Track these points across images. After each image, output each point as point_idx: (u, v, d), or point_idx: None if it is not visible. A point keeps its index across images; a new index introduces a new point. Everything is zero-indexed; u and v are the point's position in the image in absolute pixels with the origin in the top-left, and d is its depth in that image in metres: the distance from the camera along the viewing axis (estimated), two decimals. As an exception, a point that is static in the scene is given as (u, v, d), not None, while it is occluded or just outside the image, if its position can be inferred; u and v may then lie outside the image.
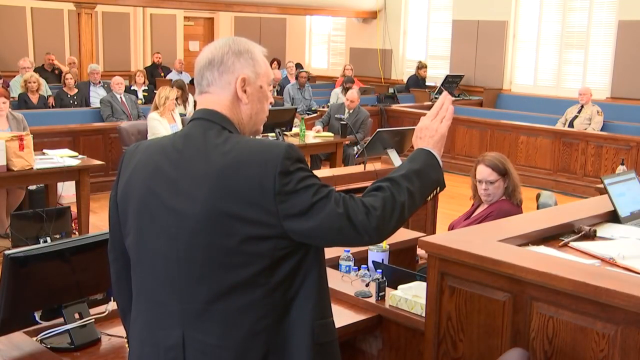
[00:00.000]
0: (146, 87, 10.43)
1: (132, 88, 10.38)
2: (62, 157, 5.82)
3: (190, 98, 8.73)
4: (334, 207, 1.60)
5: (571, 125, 9.07)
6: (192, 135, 1.69)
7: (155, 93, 7.61)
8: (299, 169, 1.61)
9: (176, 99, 8.97)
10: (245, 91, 1.74)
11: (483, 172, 3.55)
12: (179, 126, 7.24)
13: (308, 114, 9.99)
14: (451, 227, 3.67)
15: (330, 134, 7.89)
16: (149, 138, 7.11)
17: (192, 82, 10.69)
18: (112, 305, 2.48)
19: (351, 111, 8.19)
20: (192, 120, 1.74)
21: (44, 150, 6.04)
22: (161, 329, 1.64)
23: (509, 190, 3.53)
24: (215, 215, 1.57)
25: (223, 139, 1.66)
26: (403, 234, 3.81)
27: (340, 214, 1.60)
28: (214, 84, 1.73)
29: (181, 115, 7.68)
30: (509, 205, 3.49)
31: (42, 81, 9.45)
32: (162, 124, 7.04)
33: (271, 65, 12.53)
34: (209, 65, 1.73)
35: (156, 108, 7.09)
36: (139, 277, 1.71)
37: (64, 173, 5.71)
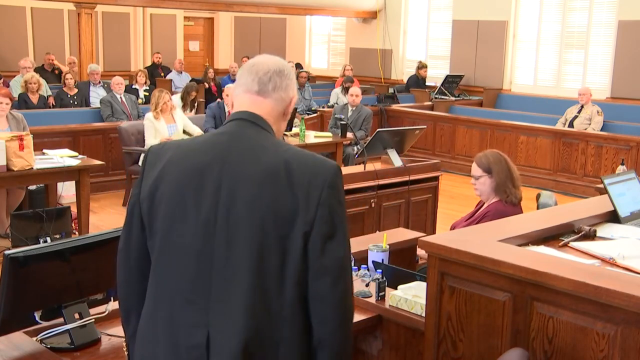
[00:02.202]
0: (147, 87, 10.43)
1: (133, 87, 10.39)
2: (62, 157, 5.82)
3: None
4: (348, 259, 1.68)
5: (571, 125, 9.07)
6: (240, 134, 1.71)
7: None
8: (342, 192, 1.71)
9: (192, 100, 9.01)
10: (289, 111, 1.80)
11: (472, 167, 3.58)
12: (178, 127, 7.24)
13: (308, 114, 9.99)
14: (453, 228, 3.67)
15: (329, 134, 7.90)
16: (145, 139, 7.12)
17: (193, 81, 10.71)
18: (112, 305, 2.47)
19: (354, 108, 8.20)
20: (238, 119, 1.74)
21: (44, 150, 6.04)
22: (185, 327, 1.62)
23: (497, 188, 3.51)
24: (257, 215, 1.60)
25: (272, 143, 1.70)
26: (403, 234, 3.81)
27: (347, 268, 1.68)
28: (278, 92, 1.75)
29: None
30: (504, 205, 3.48)
31: (42, 81, 9.45)
32: (153, 125, 7.04)
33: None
34: (280, 73, 1.76)
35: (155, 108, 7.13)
36: (164, 276, 1.67)
37: (64, 173, 5.71)
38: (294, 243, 1.61)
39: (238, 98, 1.77)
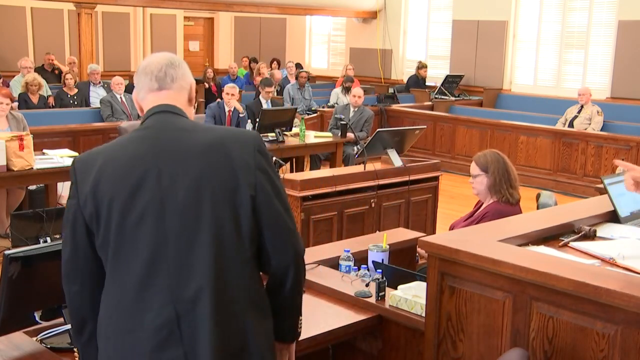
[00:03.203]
0: (148, 87, 10.42)
1: (134, 86, 10.38)
2: (62, 157, 5.82)
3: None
4: (289, 205, 1.86)
5: (571, 125, 9.07)
6: (163, 123, 1.82)
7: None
8: (268, 153, 1.86)
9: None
10: (192, 97, 1.93)
11: (471, 165, 3.59)
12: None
13: (308, 114, 9.98)
14: (452, 228, 3.67)
15: (329, 134, 7.89)
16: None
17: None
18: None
19: (356, 109, 8.19)
20: (154, 113, 1.83)
21: (44, 150, 6.04)
22: (154, 309, 1.69)
23: (493, 188, 3.51)
24: (206, 189, 1.74)
25: (193, 125, 1.84)
26: (403, 234, 3.81)
27: (291, 216, 1.85)
28: (177, 82, 1.87)
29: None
30: (503, 205, 3.48)
31: (43, 81, 9.45)
32: None
33: (271, 65, 12.53)
34: (171, 65, 1.87)
35: None
36: (125, 268, 1.73)
37: (64, 173, 5.71)
38: (244, 207, 1.75)
39: (145, 101, 1.87)
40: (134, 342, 1.70)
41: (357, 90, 8.42)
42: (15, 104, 6.46)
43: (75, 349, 2.30)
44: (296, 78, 10.67)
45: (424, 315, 2.48)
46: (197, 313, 1.69)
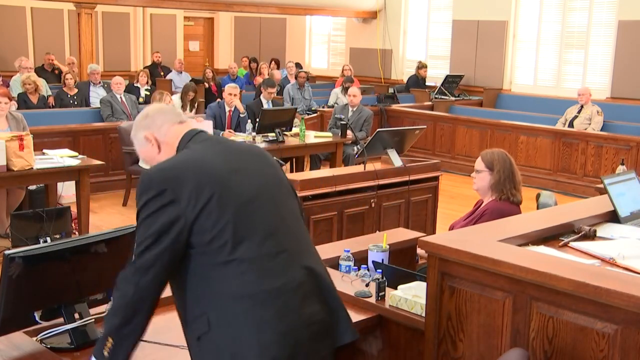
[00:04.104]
0: (149, 87, 10.44)
1: (135, 85, 10.39)
2: (62, 157, 5.82)
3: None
4: None
5: (571, 125, 9.07)
6: (210, 136, 2.20)
7: (156, 93, 7.60)
8: None
9: (191, 100, 9.00)
10: None
11: (476, 161, 3.59)
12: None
13: (308, 114, 9.98)
14: (451, 227, 3.67)
15: (329, 134, 7.89)
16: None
17: (193, 81, 10.72)
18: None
19: (354, 109, 8.19)
20: (197, 133, 2.16)
21: (44, 150, 6.04)
22: (290, 272, 2.01)
23: (495, 186, 3.51)
24: (283, 182, 2.22)
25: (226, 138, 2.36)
26: (403, 234, 3.81)
27: None
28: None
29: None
30: (501, 203, 3.48)
31: (42, 81, 9.45)
32: None
33: (270, 65, 12.51)
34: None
35: None
36: (253, 249, 1.97)
37: (64, 173, 5.71)
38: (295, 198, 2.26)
39: (170, 133, 2.14)
40: (283, 301, 1.96)
41: (352, 90, 8.40)
42: (14, 105, 6.45)
43: (74, 350, 2.31)
44: (295, 78, 10.66)
45: (424, 315, 2.48)
46: (318, 272, 2.09)
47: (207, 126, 7.12)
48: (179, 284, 2.01)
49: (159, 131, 2.15)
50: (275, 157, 5.74)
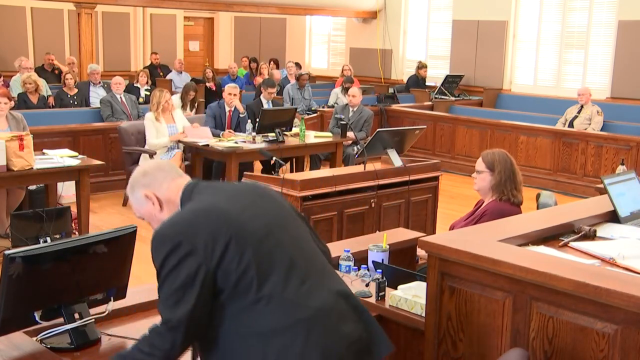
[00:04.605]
0: (149, 87, 10.44)
1: (135, 85, 10.39)
2: (62, 157, 5.82)
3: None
4: None
5: (571, 125, 9.07)
6: (212, 183, 2.23)
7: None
8: None
9: (191, 100, 9.00)
10: None
11: (477, 161, 3.59)
12: (178, 127, 7.24)
13: (308, 114, 9.98)
14: (452, 228, 3.67)
15: (329, 134, 7.89)
16: (147, 139, 7.12)
17: (193, 81, 10.72)
18: (112, 305, 2.48)
19: (355, 109, 8.19)
20: (197, 183, 2.17)
21: (44, 150, 6.04)
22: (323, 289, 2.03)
23: (496, 186, 3.50)
24: (288, 210, 2.23)
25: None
26: (403, 234, 3.81)
27: None
28: None
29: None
30: (501, 204, 3.48)
31: (42, 81, 9.45)
32: (154, 125, 7.07)
33: (269, 65, 12.49)
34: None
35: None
36: (280, 284, 1.96)
37: (64, 173, 5.71)
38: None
39: (172, 187, 2.13)
40: (320, 326, 1.95)
41: (352, 90, 8.40)
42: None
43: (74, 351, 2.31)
44: (297, 79, 10.65)
45: (424, 315, 2.48)
46: (345, 292, 2.08)
47: (204, 133, 7.14)
48: (211, 335, 1.97)
49: (160, 189, 2.13)
50: (275, 158, 5.71)
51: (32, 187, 6.19)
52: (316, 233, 2.28)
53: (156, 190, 2.12)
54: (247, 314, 1.93)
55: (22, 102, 8.68)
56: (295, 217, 2.19)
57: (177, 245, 1.91)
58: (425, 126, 6.80)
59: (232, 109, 7.65)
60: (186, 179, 2.18)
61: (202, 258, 1.90)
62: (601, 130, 8.86)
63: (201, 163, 7.21)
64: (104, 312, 2.47)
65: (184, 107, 8.83)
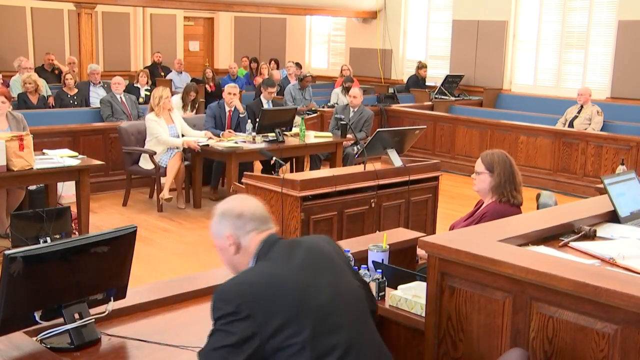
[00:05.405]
0: (149, 87, 10.44)
1: (135, 85, 10.39)
2: (62, 157, 5.82)
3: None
4: None
5: (571, 125, 9.07)
6: (282, 244, 2.19)
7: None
8: None
9: (192, 100, 8.99)
10: None
11: (476, 162, 3.58)
12: (177, 128, 7.23)
13: (308, 114, 9.98)
14: (452, 228, 3.66)
15: (329, 134, 7.89)
16: (148, 139, 7.12)
17: (193, 81, 10.71)
18: (112, 305, 2.48)
19: (355, 109, 8.20)
20: (277, 240, 2.19)
21: (44, 150, 6.04)
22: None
23: (496, 188, 3.50)
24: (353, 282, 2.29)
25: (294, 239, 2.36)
26: (403, 234, 3.81)
27: None
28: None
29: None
30: (501, 205, 3.48)
31: (42, 81, 9.45)
32: (160, 125, 7.05)
33: (269, 65, 12.45)
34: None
35: (152, 109, 7.10)
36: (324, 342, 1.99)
37: (64, 173, 5.72)
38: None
39: (259, 236, 2.16)
40: None
41: (353, 90, 8.42)
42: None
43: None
44: (300, 80, 10.60)
45: (424, 315, 2.48)
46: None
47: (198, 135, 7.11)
48: None
49: (245, 238, 2.16)
50: (275, 158, 5.70)
51: (32, 187, 6.19)
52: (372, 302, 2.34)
53: (240, 237, 2.16)
54: None
55: (22, 102, 8.68)
56: (357, 291, 2.20)
57: (237, 306, 1.93)
58: (425, 126, 6.80)
59: (232, 109, 7.65)
60: (271, 230, 2.20)
61: (258, 327, 1.91)
62: (601, 130, 8.86)
63: (201, 163, 7.22)
64: (104, 312, 2.47)
65: (184, 107, 8.82)
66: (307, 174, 6.05)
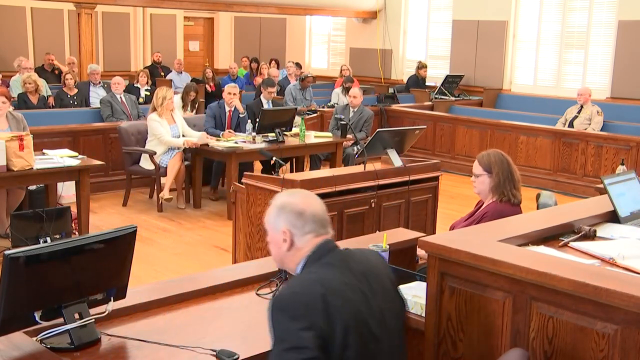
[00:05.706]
0: (149, 87, 10.44)
1: (135, 85, 10.39)
2: (62, 157, 5.82)
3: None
4: None
5: (571, 125, 9.07)
6: (342, 253, 2.17)
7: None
8: None
9: (192, 100, 8.98)
10: None
11: (474, 164, 3.58)
12: (179, 128, 7.23)
13: (308, 114, 9.98)
14: (452, 228, 3.66)
15: (329, 134, 7.89)
16: (149, 139, 7.12)
17: (194, 81, 10.71)
18: (112, 305, 2.48)
19: (355, 109, 8.20)
20: (334, 247, 2.15)
21: (44, 150, 6.04)
22: None
23: (496, 188, 3.50)
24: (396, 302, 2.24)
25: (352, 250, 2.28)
26: (403, 234, 3.81)
27: None
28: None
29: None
30: (502, 205, 3.48)
31: (42, 81, 9.45)
32: (162, 125, 7.05)
33: (269, 64, 12.43)
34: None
35: (155, 109, 7.09)
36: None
37: (64, 173, 5.72)
38: None
39: (316, 240, 2.13)
40: None
41: (353, 90, 8.42)
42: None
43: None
44: (302, 80, 10.58)
45: (424, 315, 2.48)
46: None
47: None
48: None
49: (301, 238, 2.12)
50: (275, 158, 5.69)
51: (32, 187, 6.19)
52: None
53: (297, 236, 2.12)
54: None
55: (22, 102, 8.68)
56: (396, 304, 2.20)
57: (294, 318, 1.90)
58: (425, 126, 6.80)
59: (232, 109, 7.65)
60: (328, 235, 2.16)
61: (320, 332, 1.90)
62: (601, 130, 8.86)
63: (201, 163, 7.22)
64: (104, 312, 2.47)
65: (184, 107, 8.82)
66: (307, 174, 6.05)
